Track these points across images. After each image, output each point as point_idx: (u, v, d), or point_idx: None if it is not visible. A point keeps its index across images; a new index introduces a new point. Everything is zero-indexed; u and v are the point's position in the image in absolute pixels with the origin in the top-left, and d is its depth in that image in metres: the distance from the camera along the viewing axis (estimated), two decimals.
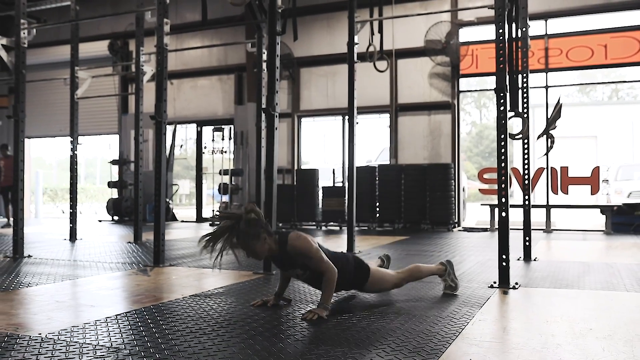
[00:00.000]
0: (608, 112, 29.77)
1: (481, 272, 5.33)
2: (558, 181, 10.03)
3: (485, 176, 10.74)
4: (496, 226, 10.33)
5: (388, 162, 11.55)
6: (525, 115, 5.91)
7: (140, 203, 13.03)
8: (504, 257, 4.55)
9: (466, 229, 10.56)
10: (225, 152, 12.45)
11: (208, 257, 3.45)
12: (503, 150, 4.57)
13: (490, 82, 12.11)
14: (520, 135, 5.80)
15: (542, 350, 2.76)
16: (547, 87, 10.63)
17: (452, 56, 10.76)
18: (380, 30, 7.73)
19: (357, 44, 6.99)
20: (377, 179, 10.89)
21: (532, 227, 10.53)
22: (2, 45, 6.60)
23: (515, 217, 11.96)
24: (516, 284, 4.52)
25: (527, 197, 6.26)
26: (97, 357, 2.59)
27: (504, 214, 4.60)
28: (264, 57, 7.33)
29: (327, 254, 3.64)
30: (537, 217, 11.03)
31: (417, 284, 4.42)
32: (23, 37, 6.47)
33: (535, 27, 10.58)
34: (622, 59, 10.00)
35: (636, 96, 33.71)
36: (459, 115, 11.17)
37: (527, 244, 6.17)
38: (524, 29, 6.00)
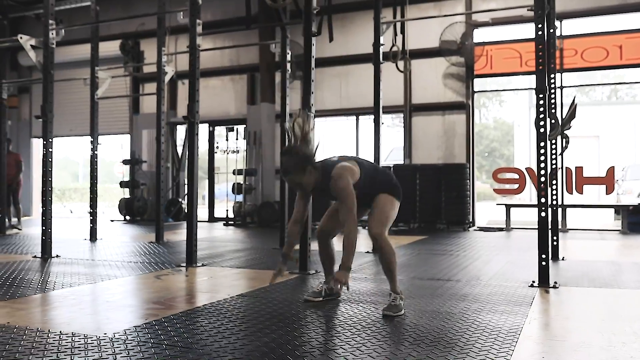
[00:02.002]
0: (608, 112, 29.91)
1: (514, 272, 5.37)
2: (573, 181, 10.07)
3: (500, 176, 10.78)
4: (512, 226, 10.41)
5: (398, 162, 11.57)
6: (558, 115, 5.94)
7: (154, 202, 13.05)
8: (543, 256, 4.58)
9: (481, 229, 10.60)
10: (238, 151, 12.47)
11: (234, 258, 3.46)
12: (543, 150, 4.60)
13: (505, 82, 12.17)
14: (554, 135, 5.83)
15: (609, 348, 2.79)
16: (562, 87, 10.67)
17: (467, 57, 10.80)
18: (403, 31, 7.78)
19: (382, 44, 7.01)
20: None
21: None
22: (31, 45, 6.60)
23: (531, 217, 12.01)
24: (555, 283, 4.55)
25: (553, 196, 6.28)
26: (171, 357, 2.61)
27: (543, 214, 4.62)
28: (288, 57, 7.39)
29: (371, 170, 3.75)
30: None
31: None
32: (51, 38, 6.49)
33: None
34: (638, 60, 10.06)
35: (635, 96, 33.90)
36: (473, 116, 11.22)
37: (555, 243, 6.20)
38: (552, 30, 6.03)
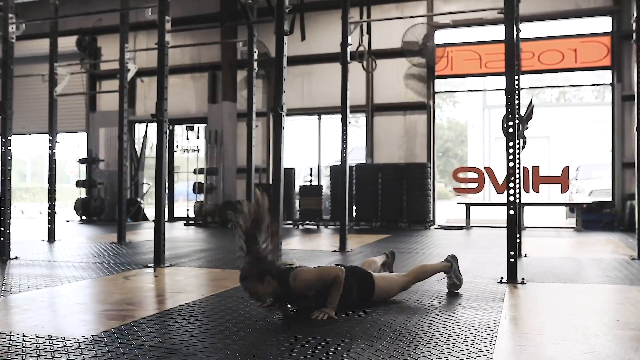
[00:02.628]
0: (557, 114, 30.91)
1: (481, 269, 5.49)
2: (530, 180, 10.36)
3: (460, 175, 11.00)
4: (472, 224, 10.64)
5: (359, 162, 11.66)
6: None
7: (112, 202, 12.80)
8: (511, 253, 4.71)
9: (442, 227, 10.79)
10: (198, 150, 12.34)
11: (201, 258, 3.44)
12: (511, 150, 4.72)
13: (465, 83, 12.40)
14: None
15: (585, 341, 2.89)
16: (519, 89, 10.93)
17: (428, 58, 10.98)
18: (369, 32, 7.86)
19: (350, 44, 7.06)
20: (354, 178, 10.99)
21: (505, 225, 10.80)
22: None
23: (489, 215, 12.26)
24: (523, 279, 4.68)
25: (517, 194, 6.43)
26: (156, 358, 2.58)
27: (512, 212, 4.74)
28: (255, 56, 7.36)
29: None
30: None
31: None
32: (11, 32, 6.28)
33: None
34: (591, 63, 10.42)
35: (582, 98, 35.13)
36: (434, 116, 11.40)
37: (518, 241, 6.34)
38: (517, 33, 6.18)
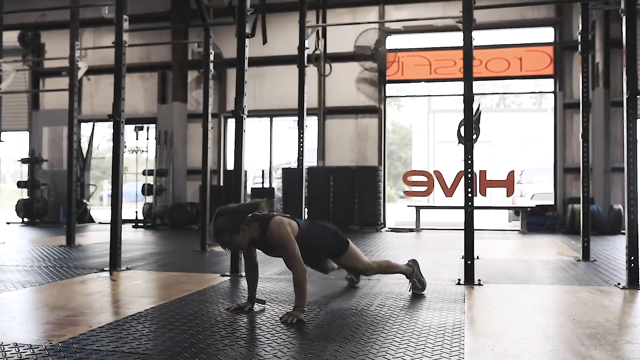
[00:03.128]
0: (498, 119, 31.96)
1: (437, 271, 5.61)
2: (477, 184, 10.67)
3: (409, 179, 11.21)
4: (422, 227, 10.86)
5: (311, 164, 11.71)
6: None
7: (55, 203, 12.40)
8: (468, 256, 4.85)
9: (393, 230, 10.96)
10: (147, 151, 12.12)
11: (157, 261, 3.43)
12: (470, 155, 4.87)
13: (409, 88, 12.64)
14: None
15: (547, 339, 3.03)
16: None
17: (380, 62, 11.15)
18: (325, 36, 7.93)
19: (307, 48, 7.10)
20: (305, 180, 11.02)
21: (455, 228, 11.08)
22: None
23: (436, 218, 12.49)
24: (479, 280, 4.83)
25: (470, 198, 6.61)
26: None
27: (468, 216, 4.89)
28: (211, 57, 7.31)
29: (308, 225, 3.85)
30: (458, 217, 11.68)
31: (386, 285, 4.62)
32: None
33: (457, 39, 11.20)
34: (535, 72, 10.84)
35: (521, 104, 36.46)
36: (385, 120, 11.58)
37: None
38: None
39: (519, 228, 10.48)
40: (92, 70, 12.03)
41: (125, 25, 5.65)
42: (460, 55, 10.92)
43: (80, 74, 7.91)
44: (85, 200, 12.43)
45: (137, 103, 12.73)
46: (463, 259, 6.41)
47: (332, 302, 3.98)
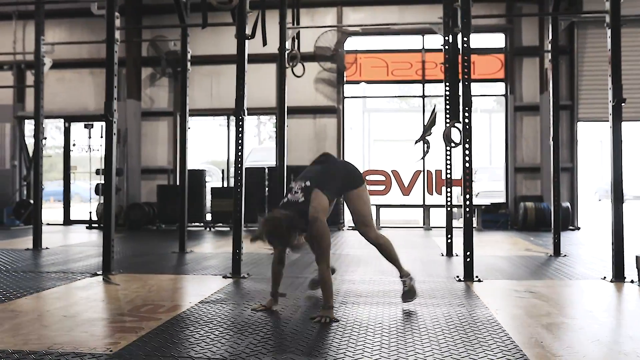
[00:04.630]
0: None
1: (426, 268, 5.76)
2: (433, 183, 11.04)
3: (369, 177, 11.42)
4: (382, 225, 11.10)
5: (260, 163, 11.74)
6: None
7: None
8: (468, 253, 5.07)
9: (353, 228, 11.14)
10: (100, 150, 11.72)
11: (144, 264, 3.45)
12: (468, 157, 5.09)
13: (371, 89, 12.85)
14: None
15: (585, 329, 3.26)
16: (423, 96, 11.61)
17: (340, 63, 11.30)
18: (298, 37, 8.00)
19: (288, 49, 7.15)
20: (266, 179, 11.05)
21: (413, 226, 11.39)
22: None
23: (395, 215, 12.74)
24: (477, 277, 5.05)
25: (449, 198, 6.88)
26: None
27: (468, 215, 5.11)
28: (189, 56, 7.23)
29: (327, 179, 3.97)
30: (415, 215, 12.02)
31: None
32: None
33: (414, 41, 11.54)
34: (488, 75, 11.33)
35: (476, 109, 37.74)
36: (344, 120, 11.75)
37: (450, 241, 6.80)
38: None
39: (475, 225, 10.90)
40: (32, 65, 11.54)
41: (117, 22, 5.50)
42: (415, 58, 11.37)
43: (46, 69, 7.59)
44: (32, 201, 11.86)
45: (87, 100, 12.31)
46: (442, 256, 6.71)
47: (371, 303, 4.07)
